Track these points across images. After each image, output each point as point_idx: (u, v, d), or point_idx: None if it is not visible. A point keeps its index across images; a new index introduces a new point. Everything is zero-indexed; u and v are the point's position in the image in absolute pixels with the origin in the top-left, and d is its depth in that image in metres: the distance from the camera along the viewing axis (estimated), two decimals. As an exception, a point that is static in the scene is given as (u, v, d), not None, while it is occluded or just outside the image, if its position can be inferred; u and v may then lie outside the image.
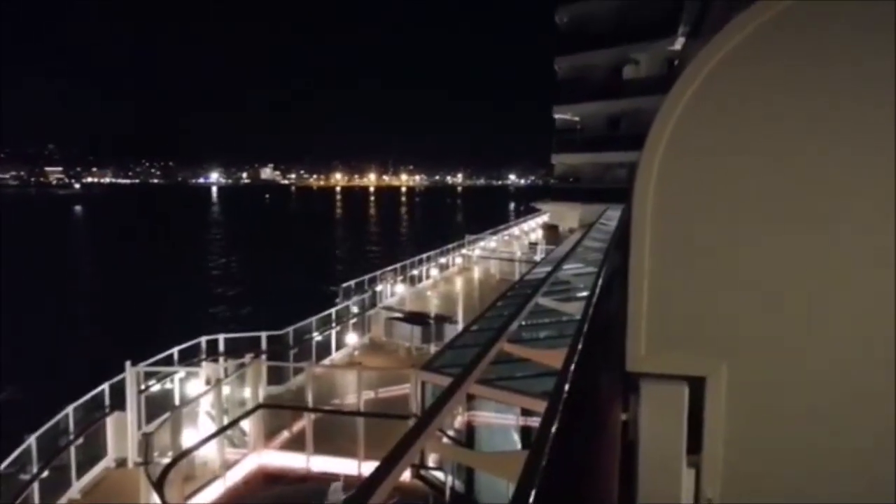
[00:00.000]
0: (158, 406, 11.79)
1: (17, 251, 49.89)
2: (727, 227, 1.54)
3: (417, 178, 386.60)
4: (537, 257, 27.20)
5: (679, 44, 27.60)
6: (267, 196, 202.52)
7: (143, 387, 11.80)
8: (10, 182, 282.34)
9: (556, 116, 38.09)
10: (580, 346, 3.73)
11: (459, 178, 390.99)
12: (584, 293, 9.66)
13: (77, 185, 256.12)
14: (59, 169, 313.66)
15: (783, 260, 1.50)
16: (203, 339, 13.94)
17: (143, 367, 11.94)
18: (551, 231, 35.13)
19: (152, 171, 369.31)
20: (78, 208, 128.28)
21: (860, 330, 1.47)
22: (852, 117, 1.45)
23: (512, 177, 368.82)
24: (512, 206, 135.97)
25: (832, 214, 1.47)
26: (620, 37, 33.05)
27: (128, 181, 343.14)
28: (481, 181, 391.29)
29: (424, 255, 26.94)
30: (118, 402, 11.31)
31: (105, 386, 11.27)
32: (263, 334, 14.60)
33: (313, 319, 16.01)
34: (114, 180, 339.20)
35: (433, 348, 15.22)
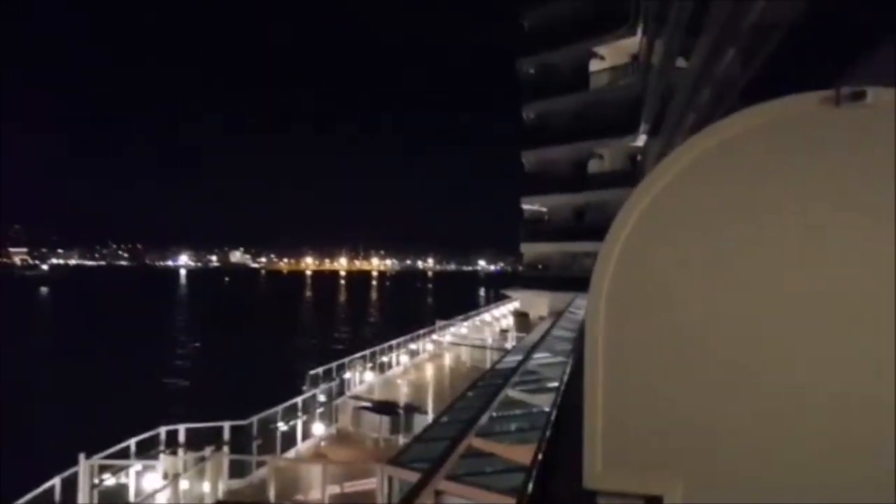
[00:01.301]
0: (112, 502, 11.24)
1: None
2: (674, 346, 1.61)
3: (388, 262, 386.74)
4: (508, 345, 27.15)
5: (641, 140, 29.05)
6: (226, 279, 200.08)
7: (96, 481, 11.27)
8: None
9: (525, 206, 39.26)
10: (546, 443, 3.81)
11: (430, 262, 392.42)
12: (554, 383, 9.72)
13: (45, 267, 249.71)
14: (24, 250, 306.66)
15: (731, 379, 1.55)
16: (163, 430, 13.46)
17: (97, 459, 11.45)
18: (522, 318, 35.28)
19: (119, 252, 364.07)
20: (44, 290, 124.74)
21: (812, 453, 1.49)
22: (791, 244, 1.56)
23: (482, 262, 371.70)
24: (482, 291, 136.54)
25: (772, 336, 1.54)
26: (584, 133, 34.74)
27: (94, 263, 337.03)
28: (451, 266, 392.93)
29: (395, 342, 26.68)
30: (70, 497, 10.76)
31: (56, 480, 10.73)
32: (226, 424, 14.15)
33: (279, 408, 15.61)
34: (80, 262, 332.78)
35: (402, 440, 14.89)
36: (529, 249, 39.54)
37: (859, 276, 1.51)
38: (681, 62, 15.01)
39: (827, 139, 1.58)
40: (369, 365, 23.05)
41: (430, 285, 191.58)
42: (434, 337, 31.13)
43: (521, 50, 38.55)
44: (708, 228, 1.61)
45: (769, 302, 1.56)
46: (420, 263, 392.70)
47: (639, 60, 29.77)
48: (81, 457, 11.02)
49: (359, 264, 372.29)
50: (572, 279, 30.19)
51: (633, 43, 31.37)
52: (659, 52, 19.01)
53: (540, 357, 12.78)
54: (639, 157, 31.26)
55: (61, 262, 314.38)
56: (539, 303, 35.70)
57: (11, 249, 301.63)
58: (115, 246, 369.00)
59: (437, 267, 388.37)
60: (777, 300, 1.55)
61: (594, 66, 35.16)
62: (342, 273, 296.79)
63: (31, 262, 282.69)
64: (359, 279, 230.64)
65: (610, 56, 34.55)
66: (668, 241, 1.65)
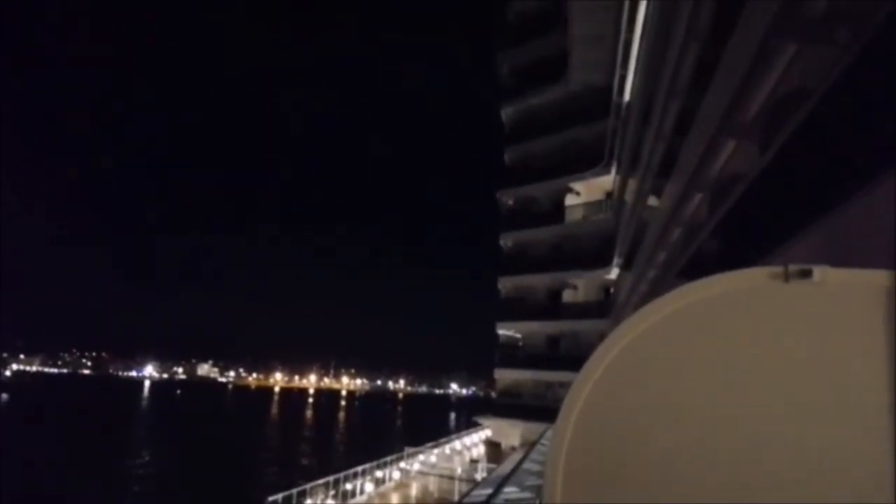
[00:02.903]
0: None
1: None
2: (633, 485, 1.67)
3: (359, 381, 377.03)
4: (478, 476, 26.21)
5: (614, 273, 29.84)
6: (178, 391, 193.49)
7: None
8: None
9: (500, 332, 39.35)
10: None
11: (401, 383, 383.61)
12: (523, 522, 9.33)
13: (8, 373, 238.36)
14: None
15: None
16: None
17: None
18: (493, 448, 34.29)
19: (83, 360, 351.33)
20: (4, 396, 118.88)
21: None
22: (740, 407, 1.65)
23: (454, 386, 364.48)
24: (453, 415, 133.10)
25: (726, 481, 1.58)
26: (560, 263, 35.74)
27: (56, 370, 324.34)
28: (423, 388, 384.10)
29: (360, 468, 25.57)
30: None
31: None
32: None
33: (231, 538, 14.63)
34: (41, 368, 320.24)
35: (360, 578, 13.93)
36: (503, 375, 39.13)
37: (807, 432, 1.56)
38: (653, 200, 15.75)
39: (776, 313, 1.68)
40: (332, 492, 21.95)
41: (399, 408, 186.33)
42: (402, 464, 29.93)
43: (501, 182, 40.44)
44: (667, 382, 1.74)
45: (724, 452, 1.62)
46: (391, 384, 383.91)
47: (612, 197, 31.24)
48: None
49: (328, 382, 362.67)
50: (546, 409, 29.73)
51: (607, 181, 32.99)
52: (632, 191, 19.99)
53: (510, 491, 12.32)
54: (611, 290, 31.93)
55: (22, 367, 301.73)
56: (511, 432, 34.86)
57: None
58: (78, 353, 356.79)
59: (409, 388, 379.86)
60: (729, 450, 1.57)
61: (570, 200, 36.70)
62: (311, 391, 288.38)
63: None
64: (327, 397, 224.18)
65: (585, 192, 36.19)
66: (637, 387, 1.76)
